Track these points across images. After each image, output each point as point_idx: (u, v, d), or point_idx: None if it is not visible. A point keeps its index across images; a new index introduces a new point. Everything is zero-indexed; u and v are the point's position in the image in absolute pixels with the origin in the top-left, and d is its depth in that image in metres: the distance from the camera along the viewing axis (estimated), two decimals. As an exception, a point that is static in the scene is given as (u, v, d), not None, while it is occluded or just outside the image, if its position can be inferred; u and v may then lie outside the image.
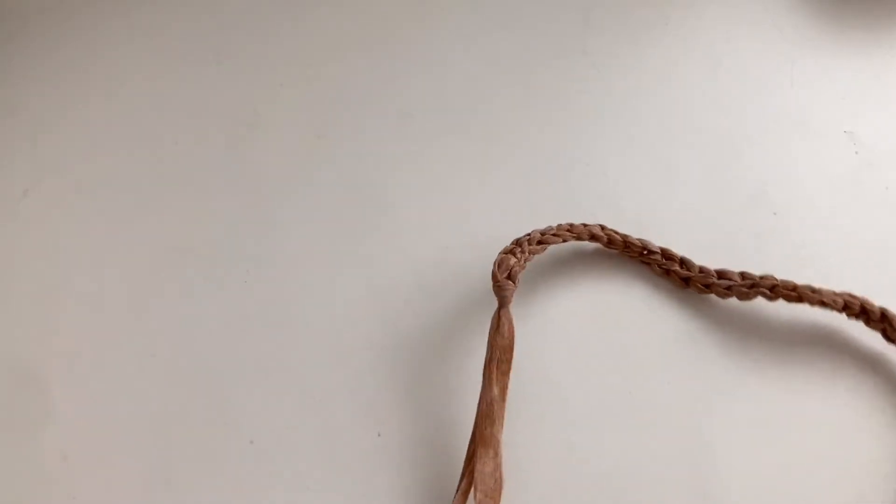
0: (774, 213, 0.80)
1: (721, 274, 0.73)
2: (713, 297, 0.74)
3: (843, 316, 0.68)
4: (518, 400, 0.68)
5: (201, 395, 0.74)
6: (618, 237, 0.75)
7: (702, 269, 0.74)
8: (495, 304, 0.68)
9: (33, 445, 0.72)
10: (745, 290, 0.70)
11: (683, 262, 0.74)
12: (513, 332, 0.66)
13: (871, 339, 0.69)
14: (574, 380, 0.71)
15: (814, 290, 0.68)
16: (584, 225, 0.75)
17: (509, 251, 0.71)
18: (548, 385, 0.71)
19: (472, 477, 0.60)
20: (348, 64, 0.98)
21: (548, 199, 0.84)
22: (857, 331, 0.69)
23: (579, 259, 0.78)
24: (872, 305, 0.67)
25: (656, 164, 0.85)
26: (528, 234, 0.73)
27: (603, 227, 0.76)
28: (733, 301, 0.73)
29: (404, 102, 0.93)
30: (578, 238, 0.75)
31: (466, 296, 0.78)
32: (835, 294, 0.67)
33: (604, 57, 0.94)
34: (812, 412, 0.67)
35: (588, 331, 0.74)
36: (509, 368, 0.66)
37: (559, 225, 0.75)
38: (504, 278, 0.67)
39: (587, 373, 0.71)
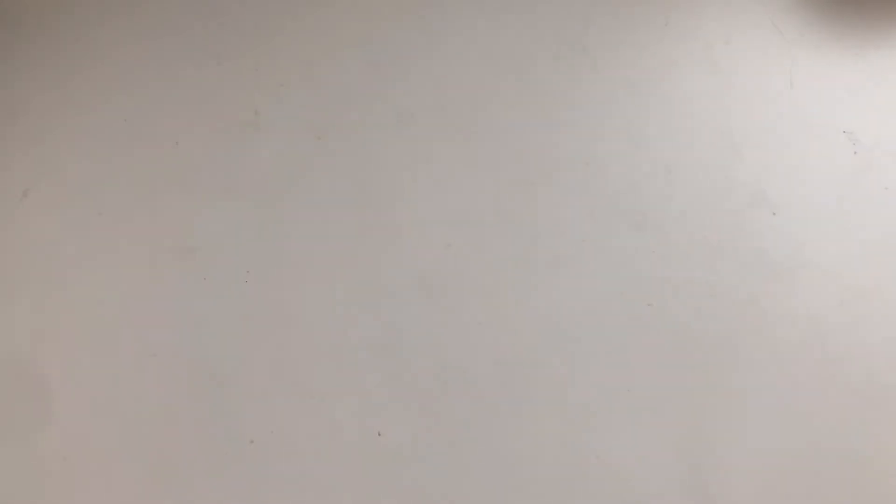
0: (774, 213, 0.80)
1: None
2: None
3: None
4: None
5: (201, 395, 0.74)
6: None
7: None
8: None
9: (33, 445, 0.72)
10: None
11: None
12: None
13: None
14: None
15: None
16: None
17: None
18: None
19: None
20: (348, 64, 0.97)
21: (548, 199, 0.84)
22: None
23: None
24: None
25: (656, 164, 0.85)
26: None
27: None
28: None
29: (404, 102, 0.93)
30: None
31: (466, 295, 0.78)
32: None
33: (604, 56, 0.94)
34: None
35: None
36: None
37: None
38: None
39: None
